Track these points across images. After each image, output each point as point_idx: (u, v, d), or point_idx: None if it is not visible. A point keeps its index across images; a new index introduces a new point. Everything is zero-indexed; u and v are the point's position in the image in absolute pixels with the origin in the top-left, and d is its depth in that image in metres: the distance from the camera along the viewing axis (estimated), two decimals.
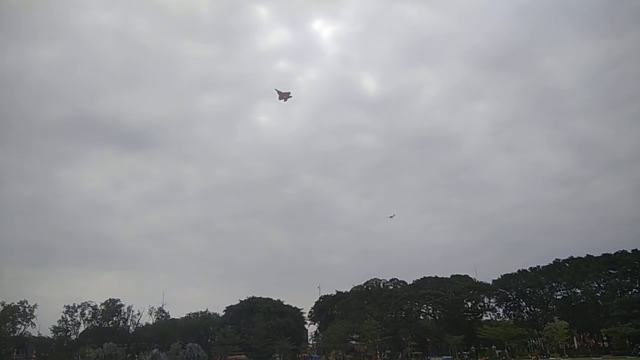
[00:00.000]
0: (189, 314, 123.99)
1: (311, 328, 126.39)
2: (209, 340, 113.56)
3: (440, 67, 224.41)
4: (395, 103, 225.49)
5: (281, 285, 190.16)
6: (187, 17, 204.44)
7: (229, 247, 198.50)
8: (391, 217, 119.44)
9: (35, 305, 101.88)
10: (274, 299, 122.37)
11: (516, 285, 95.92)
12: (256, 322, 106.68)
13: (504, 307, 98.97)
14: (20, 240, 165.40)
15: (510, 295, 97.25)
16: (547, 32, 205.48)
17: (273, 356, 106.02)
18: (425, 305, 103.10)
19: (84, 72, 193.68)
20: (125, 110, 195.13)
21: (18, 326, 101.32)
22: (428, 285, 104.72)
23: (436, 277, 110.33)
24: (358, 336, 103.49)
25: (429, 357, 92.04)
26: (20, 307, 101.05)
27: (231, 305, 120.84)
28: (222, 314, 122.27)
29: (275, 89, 69.82)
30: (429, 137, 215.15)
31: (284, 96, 69.28)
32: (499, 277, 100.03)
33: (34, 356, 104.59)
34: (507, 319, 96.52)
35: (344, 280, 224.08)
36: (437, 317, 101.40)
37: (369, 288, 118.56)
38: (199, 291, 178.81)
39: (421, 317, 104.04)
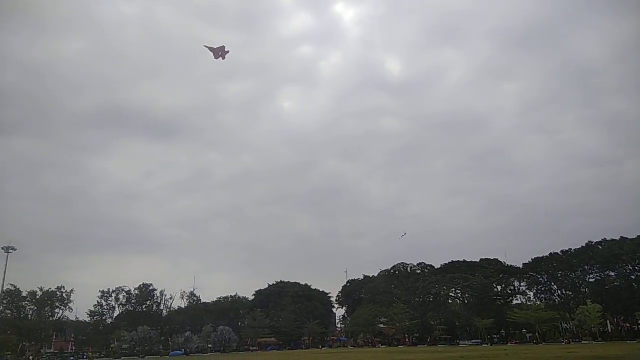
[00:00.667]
0: (220, 298, 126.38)
1: (339, 312, 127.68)
2: (240, 323, 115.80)
3: (466, 47, 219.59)
4: (420, 85, 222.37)
5: (308, 270, 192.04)
6: (208, 5, 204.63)
7: (256, 233, 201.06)
8: (403, 236, 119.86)
9: (72, 291, 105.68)
10: (301, 283, 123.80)
11: (547, 269, 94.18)
12: (285, 306, 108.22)
13: (534, 291, 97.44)
14: (55, 228, 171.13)
15: (541, 279, 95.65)
16: (577, 7, 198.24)
17: (302, 339, 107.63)
18: (454, 290, 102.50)
19: (110, 64, 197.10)
20: (151, 101, 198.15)
21: (57, 310, 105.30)
22: (456, 270, 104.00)
23: (465, 261, 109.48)
24: (386, 320, 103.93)
25: (458, 341, 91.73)
26: (57, 293, 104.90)
27: (260, 290, 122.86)
28: (251, 298, 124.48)
29: (205, 46, 58.15)
30: (455, 120, 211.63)
31: (219, 52, 58.05)
32: (530, 260, 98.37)
33: (72, 339, 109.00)
34: (538, 302, 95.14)
35: (371, 265, 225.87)
36: (467, 301, 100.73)
37: (396, 272, 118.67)
38: (228, 276, 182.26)
39: (450, 301, 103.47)
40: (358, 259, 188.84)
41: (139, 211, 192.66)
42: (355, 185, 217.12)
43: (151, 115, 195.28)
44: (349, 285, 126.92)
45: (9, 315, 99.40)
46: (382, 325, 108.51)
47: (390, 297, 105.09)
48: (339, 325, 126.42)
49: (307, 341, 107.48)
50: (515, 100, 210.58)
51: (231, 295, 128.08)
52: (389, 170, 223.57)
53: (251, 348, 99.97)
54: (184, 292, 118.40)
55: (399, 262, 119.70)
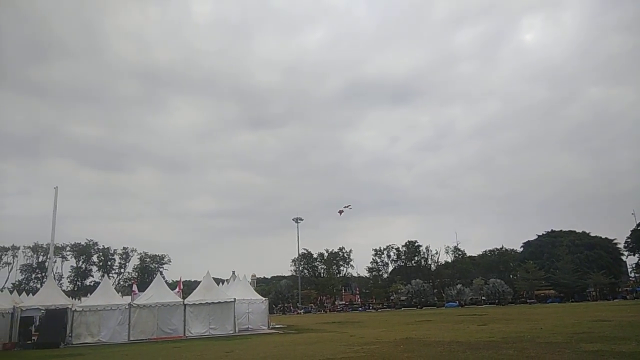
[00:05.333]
0: (485, 251, 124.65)
1: (630, 259, 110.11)
2: (511, 275, 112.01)
3: None
4: None
5: (582, 216, 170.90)
6: None
7: (513, 183, 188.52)
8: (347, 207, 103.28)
9: (350, 251, 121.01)
10: (577, 231, 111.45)
11: None
12: (560, 256, 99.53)
13: None
14: (327, 198, 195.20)
15: None
16: None
17: (587, 291, 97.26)
18: None
19: (347, 44, 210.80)
20: (387, 69, 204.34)
21: (341, 268, 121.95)
22: None
23: None
24: None
25: None
26: (339, 253, 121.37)
27: (529, 241, 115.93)
28: (519, 249, 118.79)
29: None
30: None
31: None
32: None
33: (357, 292, 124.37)
34: None
35: None
36: None
37: None
38: (489, 229, 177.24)
39: None
40: None
41: (392, 175, 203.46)
42: (630, 112, 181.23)
43: (389, 83, 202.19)
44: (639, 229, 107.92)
45: (306, 274, 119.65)
46: None
47: None
48: (632, 275, 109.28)
49: (594, 293, 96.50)
50: None
51: (497, 248, 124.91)
52: None
53: (528, 300, 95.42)
54: (448, 246, 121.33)
55: None
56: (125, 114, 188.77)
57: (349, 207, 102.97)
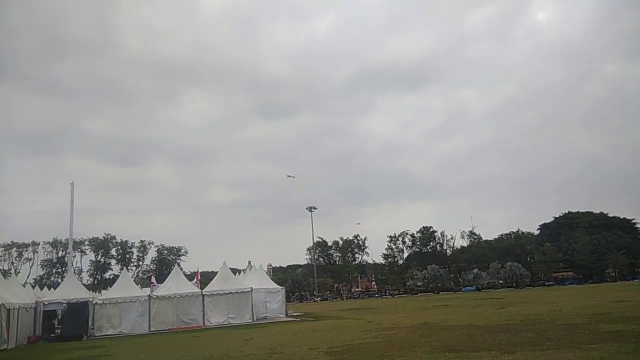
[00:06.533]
0: (501, 235, 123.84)
1: None
2: (528, 258, 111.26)
3: None
4: None
5: (601, 197, 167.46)
6: None
7: (531, 164, 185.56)
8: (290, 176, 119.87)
9: (365, 238, 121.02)
10: (595, 212, 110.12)
11: None
12: (578, 237, 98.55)
13: None
14: (341, 185, 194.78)
15: None
16: None
17: (606, 272, 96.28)
18: None
19: (357, 30, 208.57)
20: (399, 54, 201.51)
21: (356, 255, 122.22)
22: None
23: None
24: None
25: None
26: (354, 240, 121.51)
27: (545, 223, 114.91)
28: (536, 232, 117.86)
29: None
30: None
31: None
32: None
33: (373, 279, 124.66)
34: None
35: None
36: None
37: None
38: (505, 212, 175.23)
39: None
40: None
41: (406, 160, 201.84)
42: None
43: (401, 69, 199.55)
44: None
45: (322, 262, 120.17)
46: None
47: None
48: None
49: (613, 273, 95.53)
50: None
51: (513, 232, 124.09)
52: None
53: (546, 283, 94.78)
54: (463, 231, 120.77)
55: None
56: (139, 108, 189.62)
57: (292, 176, 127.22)
